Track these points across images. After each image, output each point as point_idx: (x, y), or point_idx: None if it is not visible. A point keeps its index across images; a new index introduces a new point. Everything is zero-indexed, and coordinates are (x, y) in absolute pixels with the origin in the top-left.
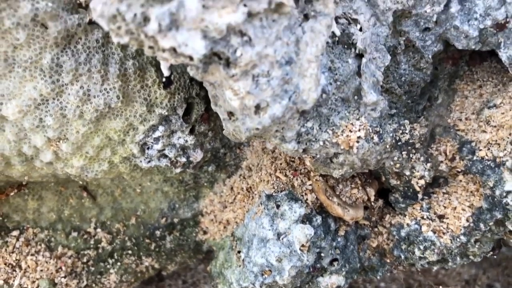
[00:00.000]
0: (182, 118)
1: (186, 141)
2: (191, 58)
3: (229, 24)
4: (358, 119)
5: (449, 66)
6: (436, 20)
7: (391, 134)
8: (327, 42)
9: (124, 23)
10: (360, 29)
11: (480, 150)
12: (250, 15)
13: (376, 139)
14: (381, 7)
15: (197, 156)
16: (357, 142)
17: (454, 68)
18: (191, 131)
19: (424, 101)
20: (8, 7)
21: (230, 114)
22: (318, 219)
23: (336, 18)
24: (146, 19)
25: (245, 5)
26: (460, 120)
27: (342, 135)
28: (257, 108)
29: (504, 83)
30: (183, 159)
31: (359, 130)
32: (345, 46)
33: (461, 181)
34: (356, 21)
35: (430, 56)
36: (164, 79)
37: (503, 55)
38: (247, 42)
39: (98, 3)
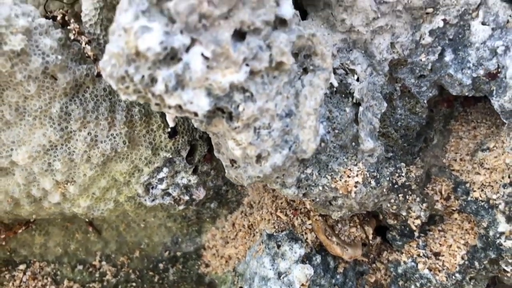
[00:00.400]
0: (186, 159)
1: (189, 180)
2: (195, 114)
3: (232, 82)
4: (356, 165)
5: (444, 108)
6: (431, 67)
7: (387, 178)
8: (325, 93)
9: (132, 83)
10: (357, 79)
11: (474, 191)
12: (252, 73)
13: (373, 183)
14: (378, 57)
15: (200, 194)
16: (355, 187)
17: (449, 110)
18: (194, 171)
19: (420, 142)
20: (20, 61)
21: (233, 161)
22: (318, 258)
23: (334, 69)
24: (153, 80)
25: (247, 65)
26: (455, 160)
27: (340, 180)
28: (259, 157)
29: (497, 125)
30: (186, 197)
31: (357, 175)
32: (343, 95)
33: (456, 219)
34: (353, 71)
35: (425, 101)
36: (169, 130)
37: (495, 103)
38: (249, 98)
39: (107, 65)
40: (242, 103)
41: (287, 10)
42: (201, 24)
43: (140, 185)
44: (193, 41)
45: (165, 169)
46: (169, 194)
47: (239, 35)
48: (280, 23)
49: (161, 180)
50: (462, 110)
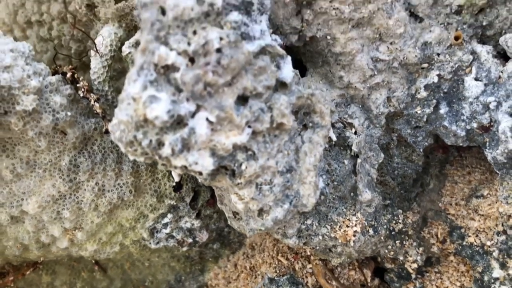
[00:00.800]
0: (189, 205)
1: (193, 224)
2: (200, 173)
3: (235, 143)
4: (354, 215)
5: (440, 154)
6: (427, 119)
7: (385, 226)
8: (325, 148)
9: (140, 147)
10: (355, 133)
11: (469, 236)
12: (254, 133)
13: (371, 232)
14: (375, 112)
15: (203, 236)
16: (354, 236)
17: (444, 155)
18: (198, 215)
19: (416, 188)
20: (31, 120)
21: (235, 213)
22: None
23: (333, 123)
24: (160, 144)
25: (249, 126)
26: (451, 204)
27: (339, 230)
28: (261, 211)
29: (491, 171)
30: (190, 240)
31: (355, 225)
32: (341, 148)
33: (452, 261)
34: (351, 125)
35: (421, 150)
36: (174, 184)
37: (488, 154)
38: (251, 156)
39: (116, 129)
40: (244, 161)
41: (288, 73)
42: (206, 91)
43: (145, 230)
44: (199, 107)
45: (169, 215)
46: (173, 237)
47: (242, 99)
48: (281, 85)
49: (165, 225)
50: (457, 154)
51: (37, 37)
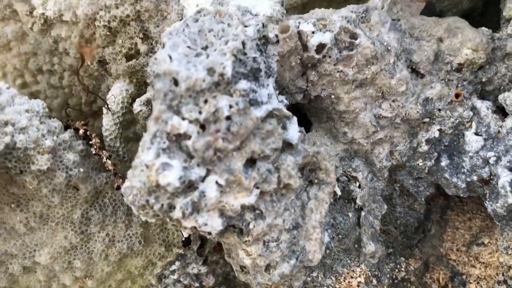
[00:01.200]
0: (197, 252)
1: (200, 270)
2: (209, 233)
3: (244, 204)
4: (358, 266)
5: (441, 200)
6: (428, 171)
7: (388, 275)
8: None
9: (151, 210)
10: (359, 186)
11: (471, 283)
12: (262, 193)
13: (375, 282)
14: (378, 165)
15: (209, 281)
16: (358, 286)
17: (445, 201)
18: (204, 261)
19: (418, 235)
20: (46, 178)
21: (243, 267)
22: None
23: (338, 177)
24: (171, 207)
25: (257, 187)
26: (452, 250)
27: (344, 281)
28: (268, 266)
29: (491, 217)
30: (197, 284)
31: (359, 275)
32: (346, 201)
33: None
34: (355, 178)
35: (423, 199)
36: (183, 239)
37: (489, 206)
38: (259, 215)
39: (129, 193)
40: (252, 221)
41: (294, 134)
42: (216, 156)
43: (154, 277)
44: (209, 171)
45: (177, 262)
46: (180, 282)
47: (250, 161)
48: (287, 146)
49: (173, 272)
50: (458, 200)
51: (48, 84)
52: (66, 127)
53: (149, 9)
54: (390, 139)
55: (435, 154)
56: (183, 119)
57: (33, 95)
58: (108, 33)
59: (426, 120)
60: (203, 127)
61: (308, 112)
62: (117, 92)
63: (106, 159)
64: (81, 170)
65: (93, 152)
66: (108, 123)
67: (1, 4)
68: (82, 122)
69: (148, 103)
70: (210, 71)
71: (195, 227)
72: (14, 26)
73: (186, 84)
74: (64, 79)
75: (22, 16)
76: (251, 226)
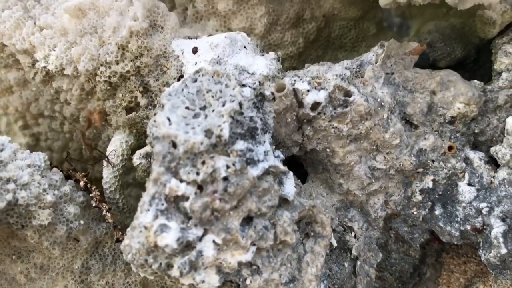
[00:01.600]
0: None
1: None
2: None
3: (241, 261)
4: None
5: (436, 245)
6: (422, 219)
7: None
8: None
9: (150, 268)
10: (355, 236)
11: None
12: (258, 249)
13: None
14: (373, 216)
15: None
16: None
17: (440, 245)
18: None
19: (413, 279)
20: (47, 231)
21: None
22: None
23: (333, 228)
24: (169, 266)
25: (254, 244)
26: None
27: None
28: None
29: None
30: None
31: None
32: (342, 250)
33: None
34: (351, 228)
35: (417, 245)
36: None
37: (482, 255)
38: (256, 271)
39: (128, 251)
40: (249, 276)
41: (290, 189)
42: (213, 216)
43: None
44: (206, 231)
45: None
46: None
47: (247, 218)
48: (284, 201)
49: None
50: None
51: (49, 127)
52: (67, 177)
53: (149, 65)
54: (385, 190)
55: (429, 203)
56: (181, 181)
57: (34, 136)
58: (108, 87)
59: (420, 170)
60: (200, 187)
61: (304, 163)
62: (117, 145)
63: (106, 212)
64: (82, 222)
65: (93, 205)
66: (108, 175)
67: (4, 53)
68: (83, 173)
69: (148, 156)
70: (208, 133)
71: (192, 284)
72: (16, 73)
73: (184, 147)
74: (65, 125)
75: (25, 66)
76: (248, 281)
